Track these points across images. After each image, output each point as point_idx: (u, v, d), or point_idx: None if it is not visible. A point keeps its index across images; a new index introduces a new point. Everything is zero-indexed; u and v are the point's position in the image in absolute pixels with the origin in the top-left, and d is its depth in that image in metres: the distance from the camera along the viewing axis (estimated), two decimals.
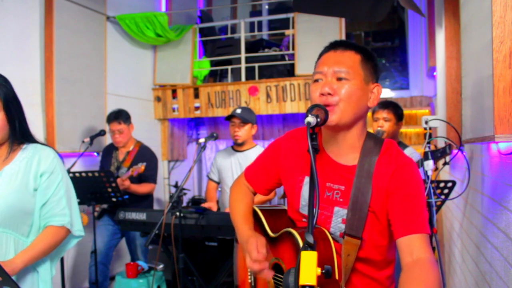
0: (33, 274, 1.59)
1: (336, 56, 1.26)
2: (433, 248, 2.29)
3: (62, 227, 1.60)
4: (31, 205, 1.56)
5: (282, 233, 1.32)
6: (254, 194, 1.55)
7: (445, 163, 2.32)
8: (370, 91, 1.27)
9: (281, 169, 1.43)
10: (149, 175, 3.46)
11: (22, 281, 1.55)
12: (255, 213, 1.50)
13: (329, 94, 1.21)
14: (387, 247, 1.28)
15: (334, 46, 1.30)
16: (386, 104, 2.86)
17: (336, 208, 1.27)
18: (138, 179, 3.40)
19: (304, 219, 1.34)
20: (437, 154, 2.25)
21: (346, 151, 1.29)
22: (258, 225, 1.47)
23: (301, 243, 1.19)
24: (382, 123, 2.80)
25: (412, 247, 1.14)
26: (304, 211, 1.32)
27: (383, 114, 2.81)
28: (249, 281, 1.53)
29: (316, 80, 1.27)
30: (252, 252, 1.26)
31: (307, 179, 1.33)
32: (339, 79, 1.23)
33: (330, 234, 1.25)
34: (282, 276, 1.29)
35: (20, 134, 1.58)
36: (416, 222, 1.16)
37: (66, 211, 1.62)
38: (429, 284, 1.06)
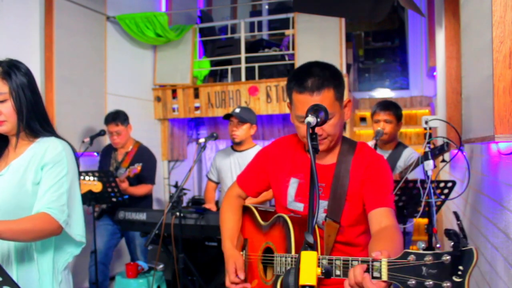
0: (31, 264, 1.54)
1: (315, 101, 1.34)
2: (433, 249, 2.29)
3: (55, 221, 1.46)
4: (28, 200, 1.50)
5: (274, 218, 1.50)
6: (245, 198, 1.73)
7: (443, 161, 2.32)
8: (344, 108, 1.45)
9: (269, 174, 1.61)
10: (147, 176, 3.46)
11: (21, 267, 1.51)
12: (249, 209, 1.69)
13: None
14: (364, 231, 1.47)
15: (306, 87, 1.35)
16: (387, 106, 2.82)
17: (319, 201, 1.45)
18: (137, 179, 3.40)
19: (292, 214, 1.51)
20: (435, 152, 2.25)
21: (326, 154, 1.49)
22: (251, 217, 1.66)
23: (289, 222, 1.38)
24: (384, 125, 2.76)
25: (381, 218, 1.32)
26: (292, 206, 1.53)
27: (384, 116, 2.78)
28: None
29: (302, 122, 1.36)
30: (230, 275, 1.52)
31: (292, 180, 1.52)
32: None
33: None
34: (272, 256, 1.46)
35: (27, 126, 1.53)
36: (385, 199, 1.36)
37: (65, 208, 1.49)
38: (394, 241, 1.19)
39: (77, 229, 1.58)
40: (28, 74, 1.55)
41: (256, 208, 1.68)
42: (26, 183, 1.51)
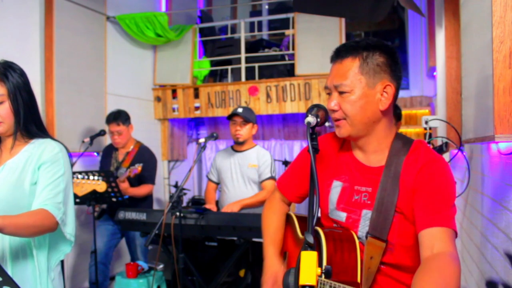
0: (27, 262, 1.54)
1: (336, 69, 1.23)
2: None
3: (53, 217, 1.49)
4: (25, 199, 1.52)
5: None
6: (289, 204, 1.55)
7: None
8: (379, 92, 1.20)
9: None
10: (148, 176, 3.46)
11: (16, 265, 1.51)
12: (290, 218, 1.51)
13: (334, 110, 1.23)
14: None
15: (337, 54, 1.25)
16: None
17: (364, 211, 1.23)
18: (137, 180, 3.39)
19: (335, 224, 1.32)
20: None
21: (373, 154, 1.27)
22: (291, 228, 1.49)
23: (323, 240, 1.17)
24: None
25: (434, 241, 1.04)
26: (333, 215, 1.30)
27: None
28: None
29: (329, 94, 1.28)
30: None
31: (335, 183, 1.31)
32: (340, 93, 1.22)
33: (358, 238, 1.22)
34: None
35: (24, 127, 1.56)
36: (441, 215, 1.07)
37: (61, 206, 1.53)
38: (446, 275, 0.95)
39: (69, 228, 1.60)
40: (23, 75, 1.57)
41: (297, 216, 1.52)
42: (24, 183, 1.53)
